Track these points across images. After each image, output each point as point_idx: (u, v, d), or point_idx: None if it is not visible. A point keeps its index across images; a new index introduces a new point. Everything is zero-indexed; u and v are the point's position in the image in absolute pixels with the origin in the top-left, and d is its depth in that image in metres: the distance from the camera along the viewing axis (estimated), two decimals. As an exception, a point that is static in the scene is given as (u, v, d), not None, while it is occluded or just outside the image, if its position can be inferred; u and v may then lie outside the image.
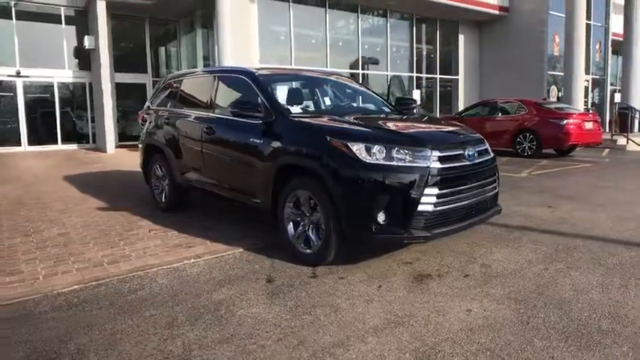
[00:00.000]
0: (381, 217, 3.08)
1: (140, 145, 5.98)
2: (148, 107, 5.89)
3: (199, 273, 3.44)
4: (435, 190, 3.11)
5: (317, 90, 4.71)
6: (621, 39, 17.75)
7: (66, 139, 15.05)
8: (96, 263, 3.67)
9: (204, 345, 2.39)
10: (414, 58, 16.28)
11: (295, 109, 3.97)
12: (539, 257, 3.59)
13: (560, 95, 15.64)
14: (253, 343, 2.41)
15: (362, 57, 14.55)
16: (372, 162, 3.09)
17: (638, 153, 12.15)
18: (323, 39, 13.80)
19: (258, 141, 3.81)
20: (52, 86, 14.75)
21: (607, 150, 12.49)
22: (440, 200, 3.14)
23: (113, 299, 2.99)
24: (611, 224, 4.55)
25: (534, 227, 4.46)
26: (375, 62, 14.69)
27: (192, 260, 3.70)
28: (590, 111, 15.13)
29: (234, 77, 4.52)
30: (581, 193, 6.32)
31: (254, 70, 4.34)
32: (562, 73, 15.62)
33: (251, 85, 4.14)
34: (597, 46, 17.40)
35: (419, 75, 16.12)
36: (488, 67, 17.25)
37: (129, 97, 16.39)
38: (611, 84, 19.54)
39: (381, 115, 4.40)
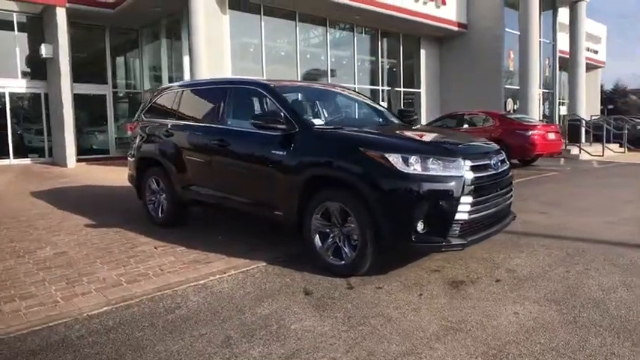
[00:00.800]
0: (420, 226, 3.15)
1: (131, 159, 5.75)
2: (140, 119, 5.68)
3: (231, 289, 3.35)
4: (470, 199, 3.22)
5: (328, 102, 4.75)
6: (566, 56, 19.10)
7: (18, 153, 14.14)
8: (114, 283, 3.48)
9: (273, 361, 2.33)
10: (380, 71, 16.70)
11: (317, 121, 3.98)
12: (556, 261, 3.78)
13: (515, 108, 16.55)
14: (323, 356, 2.38)
15: (331, 70, 14.75)
16: (410, 172, 3.15)
17: (590, 161, 13.07)
18: (293, 51, 13.88)
19: (281, 153, 3.78)
20: (4, 97, 13.85)
21: (563, 159, 13.33)
22: (473, 208, 3.26)
23: (152, 320, 2.85)
24: (605, 228, 4.87)
25: (538, 233, 4.70)
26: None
27: (217, 276, 3.60)
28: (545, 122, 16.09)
29: (247, 89, 4.47)
30: (561, 199, 6.71)
31: (269, 82, 4.32)
32: (517, 87, 16.57)
33: (267, 97, 4.12)
34: (546, 62, 18.61)
35: (383, 88, 16.53)
36: (449, 81, 17.99)
37: (88, 109, 15.68)
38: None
39: (397, 127, 4.49)
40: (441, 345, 2.46)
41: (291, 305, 3.03)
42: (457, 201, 3.16)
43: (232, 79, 4.95)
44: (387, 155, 3.21)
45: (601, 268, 3.57)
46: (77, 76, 14.40)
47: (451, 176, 3.18)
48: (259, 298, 3.16)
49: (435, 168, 3.19)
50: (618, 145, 16.30)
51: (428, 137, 3.87)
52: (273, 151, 3.86)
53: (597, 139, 15.48)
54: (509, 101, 16.72)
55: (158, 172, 5.20)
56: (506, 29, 16.32)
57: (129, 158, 5.94)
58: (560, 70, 20.19)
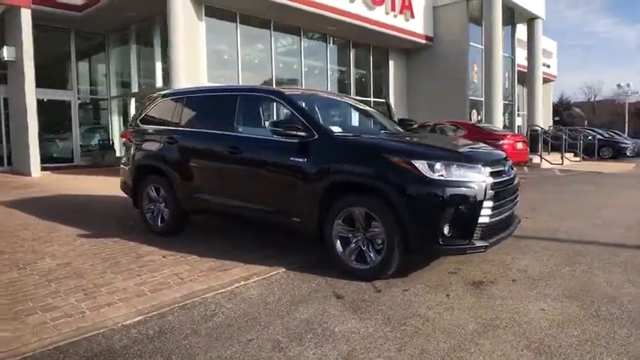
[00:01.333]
0: (446, 230, 3.30)
1: (126, 167, 5.61)
2: (136, 126, 5.56)
3: (261, 295, 3.36)
4: (491, 203, 3.40)
5: (336, 110, 4.85)
6: (524, 70, 20.21)
7: (-27, 162, 13.34)
8: (137, 293, 3.41)
9: (333, 362, 2.39)
10: (351, 81, 17.01)
11: (335, 128, 4.07)
12: (560, 261, 4.04)
13: (479, 118, 17.29)
14: (377, 356, 2.46)
15: (304, 78, 14.89)
16: (436, 178, 3.30)
17: (552, 170, 13.86)
18: (268, 60, 13.92)
19: (300, 160, 3.84)
20: (-42, 102, 13.06)
21: (526, 168, 14.05)
22: (493, 212, 3.45)
23: (193, 327, 2.83)
24: (593, 230, 5.23)
25: (532, 236, 4.98)
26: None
27: (242, 283, 3.60)
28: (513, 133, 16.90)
29: (261, 96, 4.51)
30: (536, 205, 7.10)
31: (283, 90, 4.37)
32: (480, 98, 17.34)
33: (284, 105, 4.18)
34: (506, 75, 19.58)
35: (355, 97, 16.82)
36: (416, 92, 18.56)
37: (50, 115, 15.01)
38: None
39: (407, 134, 4.65)
40: (485, 340, 2.60)
41: (327, 309, 3.08)
42: (480, 205, 3.33)
43: (243, 86, 4.94)
44: (414, 162, 3.35)
45: (603, 267, 3.86)
46: (39, 81, 13.77)
47: (475, 182, 3.36)
48: (292, 303, 3.20)
49: (459, 174, 3.36)
50: (573, 154, 17.37)
51: (446, 144, 4.05)
52: (292, 158, 3.91)
53: (554, 148, 16.44)
54: (474, 112, 17.45)
55: (158, 180, 5.12)
56: (471, 43, 17.08)
57: (122, 166, 5.79)
58: (518, 84, 21.28)
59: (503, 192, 3.61)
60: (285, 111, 4.17)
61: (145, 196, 5.29)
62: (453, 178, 3.33)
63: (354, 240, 3.64)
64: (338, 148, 3.78)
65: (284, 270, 3.89)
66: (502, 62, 17.02)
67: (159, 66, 13.15)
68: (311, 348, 2.55)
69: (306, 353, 2.50)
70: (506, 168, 3.75)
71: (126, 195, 5.88)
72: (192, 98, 5.07)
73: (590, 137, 19.42)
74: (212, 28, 12.08)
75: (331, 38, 15.94)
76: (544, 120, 21.80)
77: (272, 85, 13.39)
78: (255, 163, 4.23)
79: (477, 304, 3.12)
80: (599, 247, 4.50)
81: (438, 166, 3.34)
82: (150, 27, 13.50)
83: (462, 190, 3.31)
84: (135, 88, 14.32)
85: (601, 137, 20.71)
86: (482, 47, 17.08)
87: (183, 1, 10.67)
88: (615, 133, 23.91)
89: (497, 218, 3.54)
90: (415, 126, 5.31)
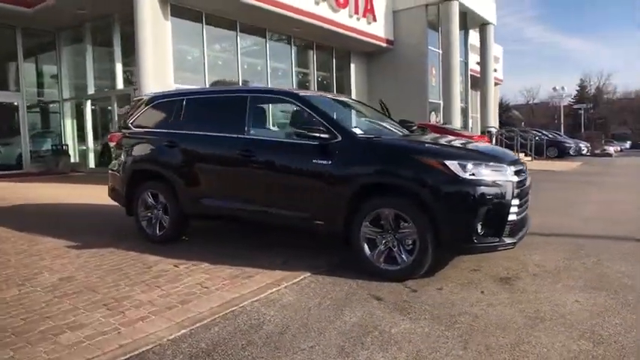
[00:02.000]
0: (479, 229, 3.38)
1: (117, 172, 5.30)
2: (127, 129, 5.27)
3: (298, 300, 3.29)
4: (517, 201, 3.54)
5: (346, 112, 4.83)
6: (476, 74, 21.16)
7: None
8: (166, 305, 3.23)
9: (409, 364, 2.38)
10: (314, 83, 17.05)
11: (357, 130, 4.05)
12: (569, 255, 4.26)
13: (438, 120, 17.90)
14: (446, 354, 2.48)
15: (270, 80, 14.75)
16: (468, 178, 3.38)
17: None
18: (234, 61, 13.66)
19: (324, 162, 3.81)
20: None
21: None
22: (518, 210, 3.58)
23: (246, 337, 2.73)
24: (584, 225, 5.57)
25: (530, 232, 5.20)
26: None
27: (274, 289, 3.50)
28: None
29: (275, 98, 4.42)
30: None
31: (298, 92, 4.30)
32: (438, 101, 17.96)
33: (300, 107, 4.12)
34: (460, 79, 20.39)
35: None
36: (377, 94, 18.78)
37: (-6, 119, 13.91)
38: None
39: (418, 135, 4.72)
40: (540, 333, 2.69)
41: (373, 311, 3.07)
42: (510, 203, 3.45)
43: (258, 88, 4.82)
44: (446, 162, 3.42)
45: (610, 259, 4.11)
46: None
47: (503, 181, 3.47)
48: (335, 307, 3.16)
49: (488, 173, 3.46)
50: (524, 154, 18.39)
51: (469, 145, 4.14)
52: (314, 161, 3.86)
53: (507, 148, 17.33)
54: (433, 114, 18.04)
55: (157, 186, 4.89)
56: (429, 47, 17.64)
57: (111, 172, 5.47)
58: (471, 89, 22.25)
59: (524, 190, 3.75)
60: (301, 113, 4.10)
61: (140, 202, 5.02)
62: (484, 178, 3.42)
63: (383, 241, 3.65)
64: (366, 149, 3.78)
65: (310, 274, 3.83)
66: (459, 66, 17.71)
67: (119, 67, 12.54)
68: (377, 351, 2.53)
69: (375, 356, 2.48)
70: (523, 167, 3.90)
71: (116, 203, 5.57)
72: (193, 100, 4.88)
73: (537, 138, 20.65)
74: (178, 28, 11.69)
75: (295, 40, 15.90)
76: (494, 122, 22.91)
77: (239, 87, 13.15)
78: (273, 166, 4.14)
79: (514, 299, 3.23)
80: (597, 241, 4.79)
81: (469, 166, 3.42)
82: (107, 25, 12.84)
83: (493, 189, 3.41)
84: (91, 90, 13.55)
85: (546, 138, 22.07)
86: (440, 51, 17.71)
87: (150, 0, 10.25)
88: (557, 134, 25.59)
89: (520, 216, 3.68)
90: (414, 127, 5.40)
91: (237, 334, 2.78)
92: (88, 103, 13.48)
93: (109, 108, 13.06)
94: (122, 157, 5.20)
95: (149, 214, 5.00)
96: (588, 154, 23.85)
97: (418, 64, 17.43)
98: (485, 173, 3.45)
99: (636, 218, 6.08)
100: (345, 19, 15.48)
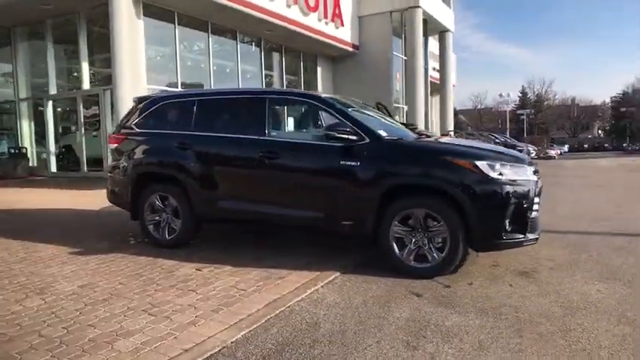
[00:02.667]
0: (507, 225, 3.59)
1: (118, 175, 5.11)
2: (130, 130, 5.09)
3: (342, 299, 3.36)
4: (537, 199, 3.78)
5: (364, 114, 4.91)
6: (434, 80, 21.97)
7: None
8: (211, 308, 3.20)
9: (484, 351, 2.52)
10: (283, 86, 17.06)
11: (382, 132, 4.15)
12: (572, 250, 4.57)
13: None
14: (507, 344, 2.64)
15: (241, 83, 14.61)
16: (497, 177, 3.59)
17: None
18: (206, 62, 13.42)
19: (353, 164, 3.89)
20: None
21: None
22: (538, 207, 3.82)
23: (310, 337, 2.77)
24: (569, 223, 5.97)
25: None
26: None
27: (312, 289, 3.54)
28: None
29: (297, 100, 4.43)
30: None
31: (320, 94, 4.35)
32: (403, 105, 18.48)
33: (324, 110, 4.19)
34: (422, 84, 21.10)
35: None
36: (343, 98, 19.16)
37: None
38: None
39: (433, 137, 4.89)
40: (583, 320, 2.92)
41: (420, 307, 3.19)
42: (533, 201, 3.69)
43: (271, 90, 4.80)
44: (477, 163, 3.60)
45: (610, 253, 4.47)
46: None
47: (526, 180, 3.71)
48: (380, 304, 3.25)
49: (512, 173, 3.68)
50: (483, 155, 19.23)
51: (487, 147, 4.35)
52: (342, 162, 3.94)
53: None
54: (397, 118, 18.50)
55: (166, 189, 4.77)
56: (394, 52, 18.13)
57: (111, 175, 5.27)
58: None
59: (540, 189, 4.01)
60: (324, 115, 4.16)
61: (147, 206, 4.88)
62: (510, 177, 3.64)
63: (413, 240, 3.78)
64: (395, 151, 3.90)
65: (339, 274, 3.90)
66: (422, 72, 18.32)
67: (85, 66, 11.98)
68: (441, 343, 2.65)
69: (442, 348, 2.59)
70: (537, 168, 4.17)
71: (117, 206, 5.37)
72: (206, 101, 4.79)
73: (495, 142, 21.72)
74: (150, 28, 11.35)
75: (265, 43, 15.85)
76: (452, 125, 23.82)
77: (211, 88, 12.93)
78: (298, 167, 4.17)
79: (542, 291, 3.45)
80: (589, 237, 5.17)
81: (497, 166, 3.63)
82: (71, 22, 12.23)
83: (519, 188, 3.64)
84: (53, 90, 12.83)
85: (500, 141, 23.24)
86: (405, 57, 18.25)
87: (125, -3, 9.88)
88: (507, 138, 27.01)
89: (538, 213, 3.93)
90: (417, 129, 5.59)
91: (299, 333, 2.81)
92: (50, 103, 12.76)
93: (74, 109, 12.43)
94: (125, 159, 5.02)
95: (157, 217, 4.86)
96: (536, 156, 25.35)
97: (383, 69, 17.85)
98: (511, 173, 3.67)
99: (612, 216, 6.59)
100: (314, 22, 15.62)
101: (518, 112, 60.64)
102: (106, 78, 12.65)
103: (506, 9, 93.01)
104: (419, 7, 17.39)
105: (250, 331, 2.84)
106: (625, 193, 9.67)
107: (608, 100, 68.48)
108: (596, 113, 72.08)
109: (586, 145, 58.16)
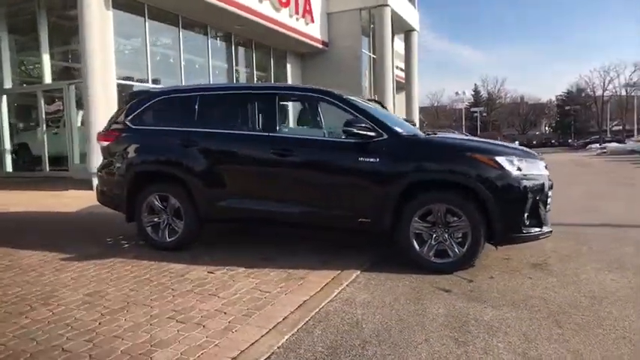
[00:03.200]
0: (526, 219, 3.67)
1: (110, 175, 4.83)
2: (124, 127, 4.80)
3: (373, 297, 3.33)
4: (550, 192, 3.88)
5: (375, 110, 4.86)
6: (399, 79, 22.33)
7: None
8: (242, 313, 3.07)
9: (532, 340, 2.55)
10: (254, 83, 16.77)
11: (398, 129, 4.12)
12: (574, 242, 4.72)
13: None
14: (550, 334, 2.69)
15: (212, 79, 14.22)
16: (516, 172, 3.65)
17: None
18: (177, 58, 12.95)
19: (371, 160, 3.85)
20: None
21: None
22: (551, 201, 3.93)
23: (357, 337, 2.71)
24: (560, 216, 6.13)
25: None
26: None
27: (339, 289, 3.48)
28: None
29: (310, 97, 4.33)
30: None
31: (334, 90, 4.26)
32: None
33: (338, 106, 4.11)
34: (389, 81, 21.36)
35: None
36: (312, 95, 19.07)
37: None
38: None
39: (438, 133, 4.91)
40: (611, 309, 3.02)
41: (453, 302, 3.20)
42: (547, 194, 3.79)
43: (282, 85, 4.66)
44: (497, 159, 3.66)
45: (608, 243, 4.68)
46: None
47: (541, 174, 3.80)
48: (413, 301, 3.23)
49: (528, 167, 3.76)
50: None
51: (498, 142, 4.41)
52: (360, 159, 3.89)
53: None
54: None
55: (167, 188, 4.55)
56: (363, 50, 18.23)
57: (101, 174, 4.97)
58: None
59: (552, 183, 4.12)
60: (339, 112, 4.09)
61: (145, 207, 4.63)
62: (528, 172, 3.72)
63: (434, 236, 3.79)
64: (414, 147, 3.90)
65: (359, 272, 3.85)
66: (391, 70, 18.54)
67: (46, 59, 11.24)
68: (489, 337, 2.66)
69: (491, 342, 2.61)
70: (546, 163, 4.28)
71: (108, 208, 5.07)
72: (210, 96, 4.59)
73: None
74: (120, 21, 10.80)
75: (236, 38, 15.50)
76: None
77: (181, 84, 12.50)
78: (313, 164, 4.08)
79: (562, 282, 3.56)
80: (584, 229, 5.40)
81: (515, 161, 3.70)
82: (27, 11, 11.44)
83: (536, 182, 3.73)
84: (8, 84, 11.94)
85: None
86: (373, 55, 18.40)
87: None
88: (465, 134, 27.90)
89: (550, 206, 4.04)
90: (416, 126, 5.62)
91: (344, 335, 2.74)
92: (4, 98, 11.88)
93: (33, 104, 11.63)
94: (119, 157, 4.74)
95: (156, 219, 4.63)
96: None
97: (352, 67, 17.89)
98: (527, 167, 3.76)
99: (592, 208, 6.92)
100: (286, 18, 15.43)
101: (472, 109, 62.99)
102: (67, 72, 11.96)
103: (458, 11, 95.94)
104: (388, 5, 17.56)
105: (293, 334, 2.75)
106: (593, 188, 10.20)
107: (554, 99, 72.20)
108: (543, 111, 75.83)
109: (535, 142, 61.07)
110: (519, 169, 3.69)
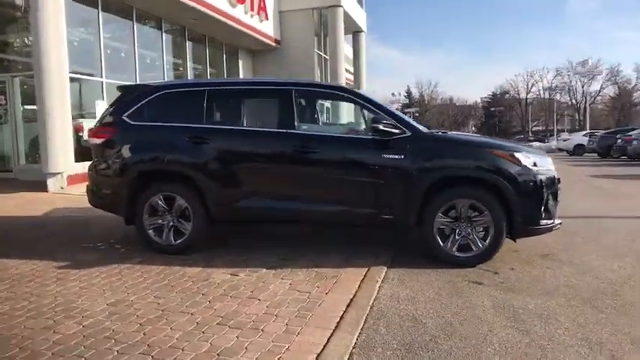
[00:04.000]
0: (543, 212, 3.88)
1: (105, 175, 4.48)
2: (122, 123, 4.45)
3: (415, 293, 3.38)
4: (559, 186, 4.14)
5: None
6: (348, 82, 22.68)
7: None
8: (294, 315, 2.98)
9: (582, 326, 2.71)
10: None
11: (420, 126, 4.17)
12: (566, 234, 4.90)
13: (325, 119, 18.71)
14: (597, 319, 2.88)
15: (167, 77, 13.56)
16: (533, 167, 3.86)
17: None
18: (131, 52, 12.18)
19: (396, 157, 3.90)
20: None
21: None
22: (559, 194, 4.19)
23: (423, 332, 2.74)
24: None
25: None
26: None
27: (376, 286, 3.49)
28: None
29: (328, 93, 4.25)
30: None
31: (351, 88, 4.24)
32: (325, 103, 18.74)
33: (359, 103, 4.11)
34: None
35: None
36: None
37: None
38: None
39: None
40: (634, 293, 3.29)
41: (493, 294, 3.33)
42: (558, 188, 4.03)
43: (298, 81, 4.52)
44: (515, 154, 3.84)
45: (596, 233, 5.09)
46: None
47: (551, 169, 4.04)
48: (454, 295, 3.33)
49: (542, 163, 3.98)
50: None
51: (508, 140, 4.60)
52: (384, 156, 3.92)
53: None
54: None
55: (174, 188, 4.30)
56: (315, 50, 18.28)
57: (95, 174, 4.59)
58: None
59: (559, 178, 4.36)
60: (362, 109, 4.09)
61: (147, 208, 4.34)
62: (541, 167, 3.93)
63: (457, 230, 3.90)
64: (437, 144, 3.98)
65: (386, 268, 3.88)
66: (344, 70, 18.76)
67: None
68: (544, 325, 2.81)
69: (550, 329, 2.75)
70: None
71: (103, 210, 4.69)
72: (220, 92, 4.39)
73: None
74: (73, 12, 9.98)
75: (190, 34, 14.89)
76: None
77: (137, 82, 11.80)
78: (336, 162, 4.05)
79: (578, 270, 3.82)
80: (567, 222, 5.77)
81: (531, 157, 3.90)
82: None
83: (549, 176, 3.96)
84: None
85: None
86: (325, 55, 18.52)
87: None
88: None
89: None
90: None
91: (410, 330, 2.77)
92: None
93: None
94: (116, 155, 4.40)
95: (160, 221, 4.36)
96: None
97: (305, 66, 17.84)
98: (541, 163, 3.98)
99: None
100: (241, 14, 15.07)
101: (406, 110, 65.46)
102: (10, 64, 10.86)
103: (390, 14, 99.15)
104: (340, 5, 17.74)
105: (360, 334, 2.72)
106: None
107: (479, 100, 76.77)
108: (470, 112, 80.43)
109: (463, 141, 64.01)
110: (535, 164, 3.90)
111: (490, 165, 3.84)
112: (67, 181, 8.93)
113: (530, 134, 56.24)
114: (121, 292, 3.43)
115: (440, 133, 4.49)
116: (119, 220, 4.88)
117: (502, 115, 69.16)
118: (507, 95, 67.76)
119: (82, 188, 9.01)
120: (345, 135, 4.15)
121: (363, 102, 4.13)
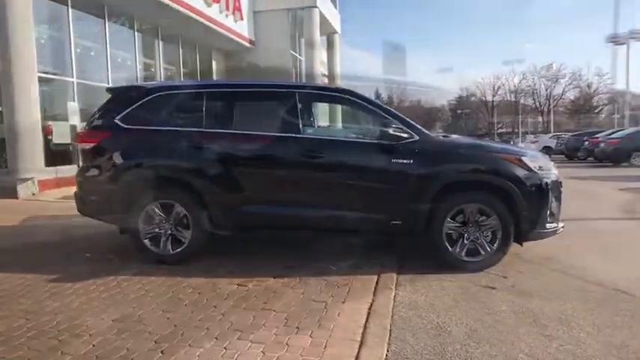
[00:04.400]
0: (548, 215, 3.94)
1: (96, 182, 4.23)
2: (113, 126, 4.22)
3: (433, 300, 3.35)
4: (562, 189, 4.21)
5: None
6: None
7: None
8: (314, 325, 2.90)
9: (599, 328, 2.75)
10: (181, 79, 15.81)
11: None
12: (559, 237, 5.06)
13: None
14: (612, 324, 2.92)
15: (139, 77, 13.12)
16: (539, 171, 3.91)
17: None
18: (103, 52, 11.70)
19: (405, 161, 3.86)
20: None
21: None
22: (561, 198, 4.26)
23: (450, 340, 2.71)
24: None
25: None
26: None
27: (392, 293, 3.44)
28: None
29: (334, 96, 4.16)
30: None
31: (354, 90, 4.17)
32: (300, 103, 18.64)
33: (365, 107, 4.05)
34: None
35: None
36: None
37: None
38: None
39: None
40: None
41: (508, 299, 3.34)
42: (561, 191, 4.10)
43: (301, 84, 4.41)
44: (522, 159, 3.87)
45: (586, 236, 5.21)
46: None
47: (554, 172, 4.10)
48: (471, 301, 3.32)
49: (547, 167, 4.04)
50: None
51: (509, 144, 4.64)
52: (394, 160, 3.87)
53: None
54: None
55: (174, 195, 4.12)
56: (291, 52, 18.17)
57: (84, 181, 4.33)
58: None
59: (561, 181, 4.44)
60: (368, 112, 4.03)
61: (143, 216, 4.13)
62: (546, 171, 3.99)
63: (465, 235, 3.90)
64: (446, 149, 3.97)
65: (396, 275, 3.84)
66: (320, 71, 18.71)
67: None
68: (566, 329, 2.84)
69: (574, 334, 2.78)
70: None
71: (93, 219, 4.43)
72: (218, 94, 4.23)
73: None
74: (41, 10, 9.50)
75: (163, 34, 14.47)
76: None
77: (108, 83, 11.36)
78: (344, 166, 3.97)
79: (584, 274, 3.86)
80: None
81: (537, 161, 3.95)
82: None
83: (554, 180, 4.01)
84: None
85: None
86: (300, 57, 18.44)
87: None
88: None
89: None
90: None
91: (437, 338, 2.73)
92: None
93: None
94: (108, 161, 4.17)
95: (156, 229, 4.16)
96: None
97: (281, 67, 17.70)
98: (546, 167, 4.03)
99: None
100: (216, 14, 14.80)
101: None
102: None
103: (362, 17, 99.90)
104: (316, 7, 17.71)
105: (391, 342, 2.66)
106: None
107: (446, 103, 78.49)
108: (437, 114, 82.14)
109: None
110: (540, 167, 3.95)
111: (499, 169, 3.86)
112: (38, 187, 8.49)
113: (495, 136, 57.87)
114: (124, 306, 3.24)
115: (441, 137, 4.50)
116: (106, 227, 4.67)
117: (469, 117, 70.90)
118: (474, 97, 69.49)
119: (56, 194, 8.73)
120: (353, 139, 4.09)
121: (371, 106, 4.08)
